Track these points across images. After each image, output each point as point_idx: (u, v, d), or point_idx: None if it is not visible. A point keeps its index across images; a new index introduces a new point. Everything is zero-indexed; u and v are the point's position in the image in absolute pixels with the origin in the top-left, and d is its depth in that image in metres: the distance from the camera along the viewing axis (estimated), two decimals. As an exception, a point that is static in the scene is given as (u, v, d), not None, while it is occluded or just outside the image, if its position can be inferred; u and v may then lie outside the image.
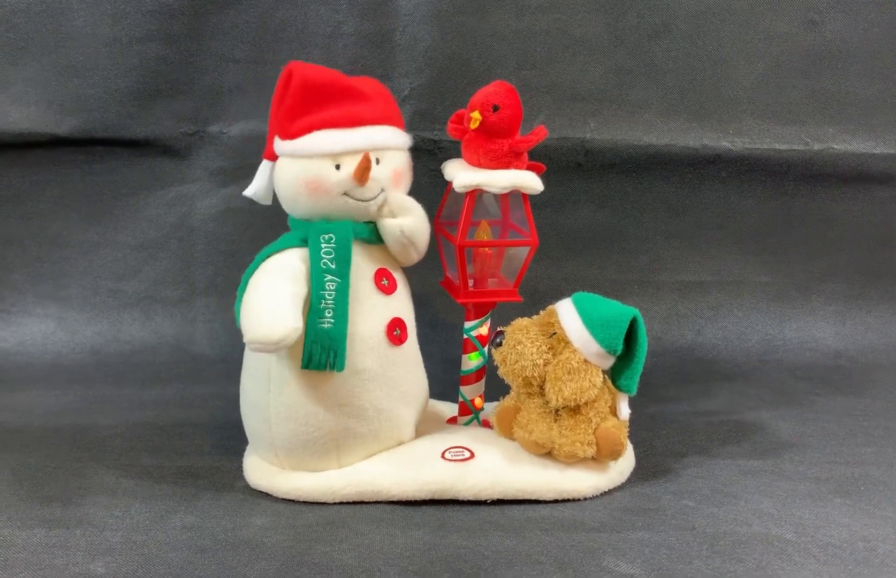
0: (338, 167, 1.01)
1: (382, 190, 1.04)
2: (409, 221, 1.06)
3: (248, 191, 1.09)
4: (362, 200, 1.03)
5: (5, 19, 1.36)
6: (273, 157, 1.05)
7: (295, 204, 1.04)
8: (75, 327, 1.47)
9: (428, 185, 1.15)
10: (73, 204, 1.45)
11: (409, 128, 1.08)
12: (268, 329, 0.93)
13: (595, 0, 1.42)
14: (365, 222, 1.05)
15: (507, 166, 1.08)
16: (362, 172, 1.00)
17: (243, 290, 1.00)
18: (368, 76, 1.09)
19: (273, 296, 0.96)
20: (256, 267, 1.01)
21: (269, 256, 1.02)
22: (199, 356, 1.46)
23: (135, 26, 1.37)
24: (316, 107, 1.01)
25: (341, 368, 0.99)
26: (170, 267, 1.48)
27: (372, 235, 1.06)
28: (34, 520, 0.98)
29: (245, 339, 0.95)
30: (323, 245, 1.00)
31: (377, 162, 1.03)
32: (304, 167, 1.01)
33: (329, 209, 1.02)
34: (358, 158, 1.01)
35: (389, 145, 1.05)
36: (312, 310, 0.98)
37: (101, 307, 1.48)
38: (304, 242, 1.02)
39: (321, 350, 0.98)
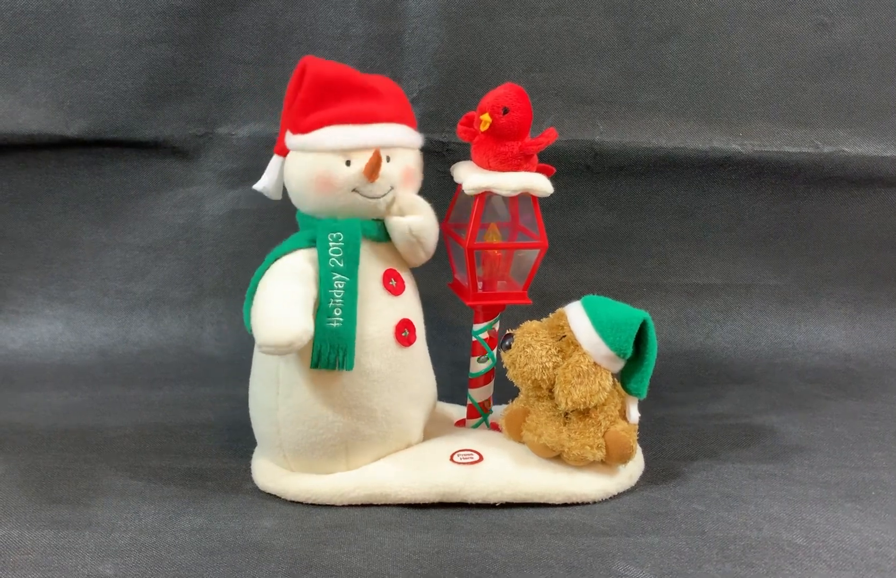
0: (348, 163, 1.00)
1: (392, 188, 1.04)
2: (417, 220, 1.05)
3: (258, 185, 1.08)
4: (372, 197, 1.02)
5: (15, 21, 1.36)
6: (284, 152, 1.05)
7: (304, 199, 1.04)
8: (83, 328, 1.47)
9: (437, 187, 1.15)
10: (81, 205, 1.45)
11: (418, 129, 1.07)
12: (279, 332, 0.93)
13: (604, 2, 1.42)
14: (373, 220, 1.05)
15: (516, 168, 1.08)
16: (373, 169, 1.00)
17: (252, 293, 1.01)
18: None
19: (283, 299, 0.96)
20: (265, 268, 1.01)
21: (277, 258, 1.02)
22: (208, 357, 1.46)
23: (144, 28, 1.37)
24: (328, 103, 1.01)
25: (350, 367, 0.99)
26: (178, 268, 1.48)
27: (380, 233, 1.05)
28: (43, 521, 0.98)
29: (256, 343, 0.95)
30: (331, 244, 1.00)
31: (388, 159, 1.02)
32: (314, 162, 1.01)
33: (338, 205, 1.02)
34: (368, 155, 1.00)
35: (401, 143, 1.04)
36: (321, 309, 0.98)
37: (110, 308, 1.48)
38: (312, 242, 1.02)
39: (330, 349, 0.98)
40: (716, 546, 0.96)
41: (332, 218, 1.02)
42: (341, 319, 0.98)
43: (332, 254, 0.99)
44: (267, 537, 0.96)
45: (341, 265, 0.99)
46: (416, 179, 1.08)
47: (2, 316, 1.47)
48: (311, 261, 1.01)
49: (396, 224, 1.05)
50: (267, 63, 1.40)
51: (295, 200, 1.05)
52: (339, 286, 0.99)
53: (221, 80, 1.41)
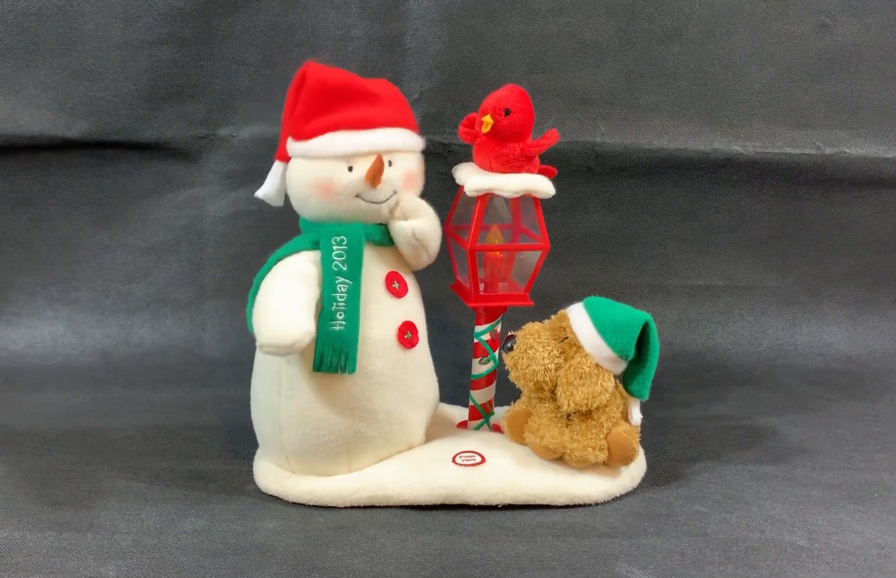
0: (350, 169, 1.01)
1: (395, 192, 1.04)
2: (420, 224, 1.05)
3: (260, 192, 1.08)
4: (374, 202, 1.03)
5: (16, 23, 1.36)
6: (286, 159, 1.05)
7: (306, 205, 1.04)
8: (85, 330, 1.47)
9: (439, 189, 1.15)
10: (83, 207, 1.45)
11: (419, 131, 1.07)
12: (281, 332, 0.93)
13: (606, 4, 1.42)
14: (376, 224, 1.05)
15: (518, 170, 1.08)
16: (375, 174, 1.00)
17: (255, 293, 1.00)
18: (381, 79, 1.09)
19: (285, 300, 0.96)
20: (268, 269, 1.01)
21: (280, 259, 1.02)
22: (209, 359, 1.46)
23: (145, 30, 1.37)
24: (330, 109, 1.01)
25: (353, 370, 0.99)
26: (180, 269, 1.48)
27: (383, 237, 1.05)
28: (45, 523, 0.98)
29: (258, 343, 0.95)
30: (335, 247, 1.00)
31: (390, 164, 1.02)
32: (316, 168, 1.01)
33: (341, 211, 1.02)
34: (370, 160, 1.00)
35: (402, 147, 1.05)
36: (324, 313, 0.98)
37: (111, 310, 1.48)
38: (315, 245, 1.02)
39: (333, 352, 0.98)
40: (718, 547, 0.96)
41: (336, 222, 1.02)
42: (344, 322, 0.98)
43: (335, 258, 0.99)
44: (269, 538, 0.96)
45: (344, 268, 0.99)
46: (418, 182, 1.08)
47: (3, 317, 1.47)
48: (314, 263, 1.01)
49: (400, 228, 1.05)
50: (268, 65, 1.40)
51: (297, 206, 1.05)
52: (342, 289, 0.99)
53: (223, 82, 1.41)
